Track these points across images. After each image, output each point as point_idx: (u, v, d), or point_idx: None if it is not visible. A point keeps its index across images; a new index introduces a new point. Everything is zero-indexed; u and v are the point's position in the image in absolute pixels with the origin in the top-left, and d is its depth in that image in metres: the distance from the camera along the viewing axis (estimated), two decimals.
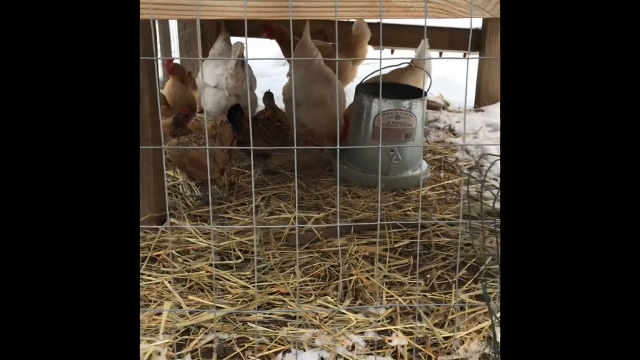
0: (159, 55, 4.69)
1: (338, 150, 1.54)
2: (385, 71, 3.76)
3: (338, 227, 1.62)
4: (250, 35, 4.82)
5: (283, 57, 4.36)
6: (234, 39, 3.97)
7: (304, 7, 1.56)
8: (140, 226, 2.71)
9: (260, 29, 4.20)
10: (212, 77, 3.55)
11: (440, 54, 5.10)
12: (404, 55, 4.50)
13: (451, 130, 4.30)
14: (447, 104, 4.88)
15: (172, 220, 2.90)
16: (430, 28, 4.75)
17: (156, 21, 3.94)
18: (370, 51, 4.95)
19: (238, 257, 2.63)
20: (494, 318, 1.69)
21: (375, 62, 4.35)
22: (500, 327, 1.77)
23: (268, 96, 3.54)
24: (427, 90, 3.55)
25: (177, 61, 4.37)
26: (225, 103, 3.46)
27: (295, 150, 1.53)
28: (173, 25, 4.95)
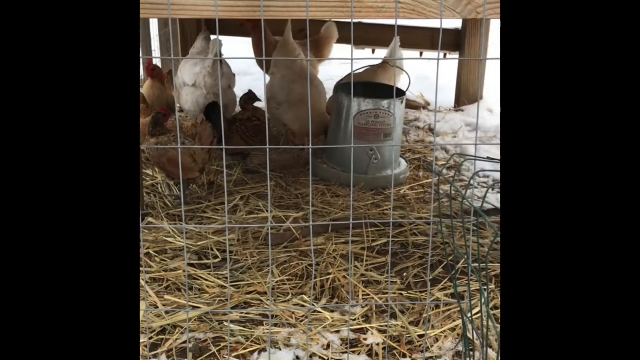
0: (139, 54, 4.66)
1: (310, 149, 1.54)
2: (359, 70, 3.79)
3: (310, 227, 1.63)
4: (231, 33, 4.83)
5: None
6: (214, 37, 3.96)
7: (275, 6, 1.57)
8: None
9: (244, 22, 4.21)
10: (190, 75, 3.54)
11: (421, 53, 5.13)
12: (384, 54, 4.52)
13: (431, 130, 4.33)
14: (428, 104, 4.90)
15: (150, 219, 2.89)
16: (412, 28, 4.78)
17: None
18: (347, 50, 4.93)
19: (216, 257, 2.63)
20: (464, 317, 1.70)
21: (347, 60, 4.40)
22: (475, 325, 1.79)
23: (249, 96, 3.52)
24: (407, 89, 3.57)
25: (157, 62, 4.35)
26: (204, 101, 3.44)
27: (267, 150, 1.53)
28: (153, 24, 4.92)
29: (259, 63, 4.43)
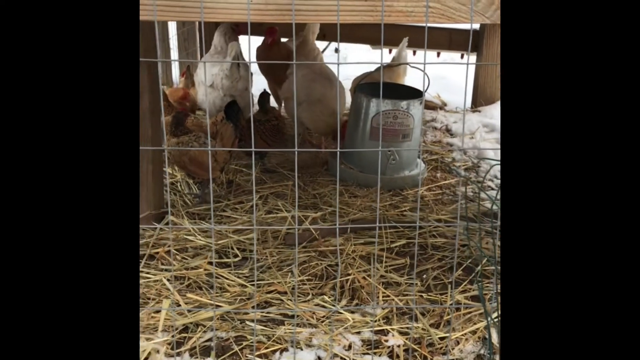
0: (159, 55, 4.69)
1: (338, 152, 1.55)
2: (363, 71, 3.81)
3: (337, 228, 1.64)
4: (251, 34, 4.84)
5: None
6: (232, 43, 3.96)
7: (306, 10, 1.58)
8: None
9: (265, 33, 4.22)
10: (208, 76, 3.56)
11: (438, 54, 5.13)
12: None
13: (448, 131, 4.33)
14: (445, 104, 4.90)
15: (172, 218, 2.91)
16: (430, 28, 4.76)
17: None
18: (369, 51, 4.92)
19: (236, 256, 2.65)
20: (489, 319, 1.71)
21: (364, 61, 4.39)
22: (499, 328, 1.79)
23: (264, 96, 3.53)
24: (425, 90, 3.57)
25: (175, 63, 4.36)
26: (220, 103, 3.47)
27: (296, 153, 1.54)
28: (171, 23, 4.95)
29: (263, 72, 4.34)
